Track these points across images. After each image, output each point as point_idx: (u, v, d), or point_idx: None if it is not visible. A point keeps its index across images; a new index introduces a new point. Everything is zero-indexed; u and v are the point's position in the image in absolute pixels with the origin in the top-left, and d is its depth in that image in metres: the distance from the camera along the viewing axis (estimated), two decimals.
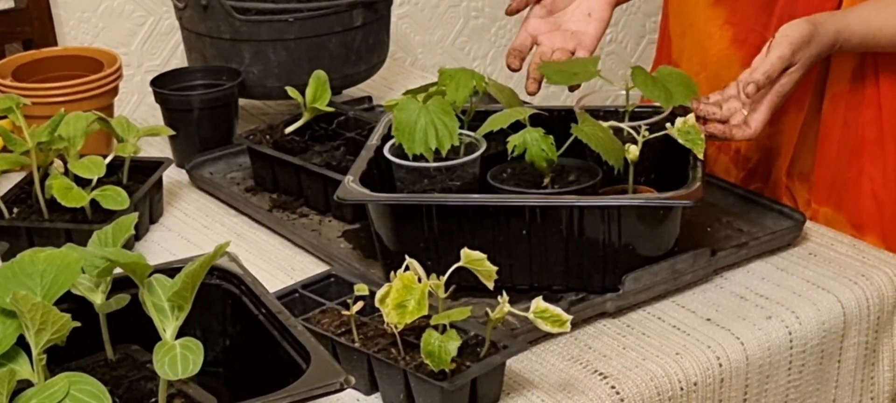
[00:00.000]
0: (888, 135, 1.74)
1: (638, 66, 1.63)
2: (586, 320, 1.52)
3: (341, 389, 1.17)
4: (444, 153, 1.56)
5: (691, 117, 1.57)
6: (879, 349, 1.62)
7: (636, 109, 1.68)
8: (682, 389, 1.44)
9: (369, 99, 2.21)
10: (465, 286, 1.44)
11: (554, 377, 1.42)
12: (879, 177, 1.75)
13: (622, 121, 1.65)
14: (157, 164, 1.85)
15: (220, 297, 1.37)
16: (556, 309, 1.34)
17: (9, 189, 1.78)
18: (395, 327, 1.33)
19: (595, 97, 1.76)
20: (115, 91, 2.06)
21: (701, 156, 1.56)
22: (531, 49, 1.88)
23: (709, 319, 1.53)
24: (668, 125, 1.58)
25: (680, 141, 1.56)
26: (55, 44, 2.42)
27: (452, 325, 1.33)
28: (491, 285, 1.37)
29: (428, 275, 1.34)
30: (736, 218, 1.73)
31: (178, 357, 1.17)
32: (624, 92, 1.68)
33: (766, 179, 1.86)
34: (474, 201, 1.52)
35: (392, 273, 1.34)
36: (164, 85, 2.03)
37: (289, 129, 1.94)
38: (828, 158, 1.79)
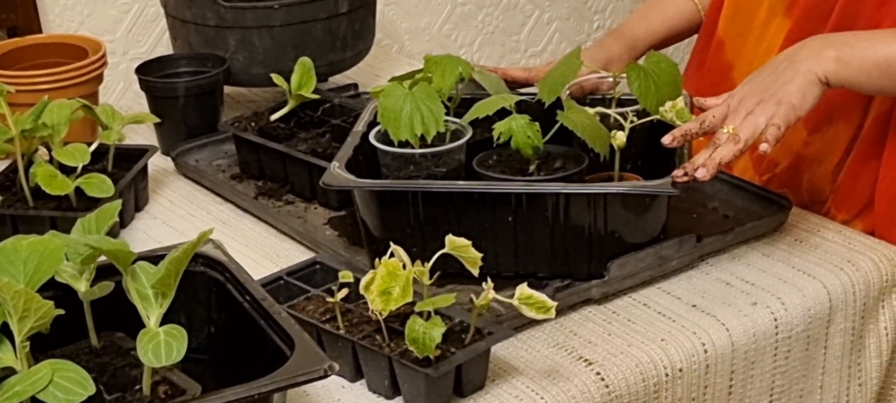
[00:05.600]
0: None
1: (633, 64, 1.63)
2: (572, 306, 1.52)
3: (325, 375, 1.17)
4: (429, 139, 1.56)
5: (680, 100, 1.57)
6: (866, 335, 1.63)
7: (623, 96, 1.68)
8: (667, 375, 1.44)
9: (355, 86, 2.20)
10: (450, 273, 1.44)
11: (539, 363, 1.42)
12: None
13: (609, 107, 1.65)
14: (142, 152, 1.84)
15: (205, 284, 1.37)
16: (541, 296, 1.34)
17: None
18: (380, 314, 1.33)
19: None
20: (99, 78, 2.05)
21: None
22: None
23: (694, 305, 1.53)
24: (660, 109, 1.57)
25: (677, 123, 1.55)
26: (40, 31, 2.42)
27: (437, 312, 1.33)
28: (476, 272, 1.36)
29: (413, 262, 1.34)
30: (722, 204, 1.73)
31: (162, 344, 1.17)
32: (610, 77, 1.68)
33: (795, 186, 1.84)
34: (460, 188, 1.52)
35: (377, 259, 1.34)
36: (149, 72, 2.02)
37: (274, 116, 1.94)
38: (858, 173, 1.77)
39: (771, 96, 1.56)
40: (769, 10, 1.86)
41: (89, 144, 1.75)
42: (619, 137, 1.56)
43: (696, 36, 2.05)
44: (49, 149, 1.74)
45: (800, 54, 1.60)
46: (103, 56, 2.05)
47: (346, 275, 1.40)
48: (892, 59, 1.59)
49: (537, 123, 1.56)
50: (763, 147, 1.52)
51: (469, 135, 1.60)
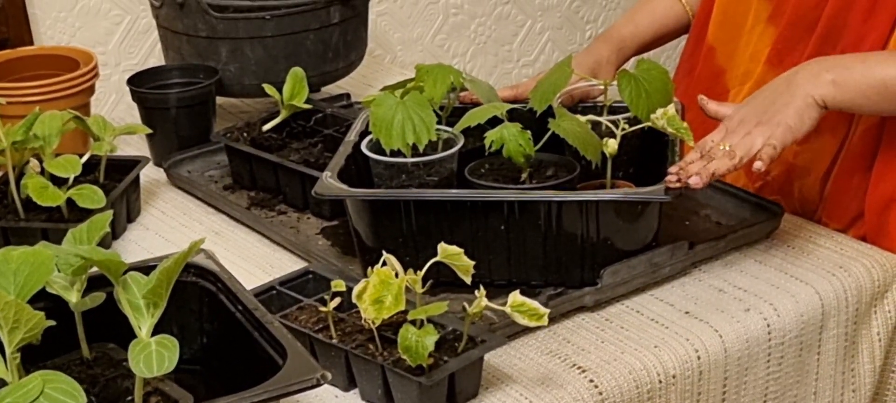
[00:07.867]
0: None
1: (624, 70, 1.63)
2: (565, 314, 1.52)
3: (317, 384, 1.17)
4: (421, 148, 1.56)
5: (671, 108, 1.57)
6: (859, 341, 1.63)
7: (614, 104, 1.68)
8: (660, 382, 1.44)
9: (347, 96, 2.20)
10: (443, 281, 1.44)
11: (532, 371, 1.42)
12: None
13: (600, 115, 1.65)
14: (134, 163, 1.84)
15: (197, 295, 1.37)
16: (534, 303, 1.34)
17: None
18: (373, 322, 1.33)
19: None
20: (91, 90, 2.05)
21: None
22: None
23: (687, 312, 1.53)
24: (652, 116, 1.57)
25: (669, 130, 1.55)
26: (31, 43, 2.41)
27: (430, 320, 1.32)
28: (468, 280, 1.36)
29: (406, 271, 1.34)
30: (714, 210, 1.74)
31: (153, 355, 1.17)
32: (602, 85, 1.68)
33: (787, 194, 1.84)
34: (452, 196, 1.52)
35: (369, 268, 1.34)
36: (141, 83, 2.02)
37: (266, 127, 1.93)
38: (847, 183, 1.78)
39: (769, 118, 1.56)
40: (755, 17, 1.87)
41: (81, 156, 1.75)
42: (611, 145, 1.56)
43: (684, 39, 2.05)
44: (40, 161, 1.73)
45: (797, 78, 1.60)
46: (95, 67, 2.05)
47: (338, 285, 1.40)
48: (890, 81, 1.59)
49: (529, 131, 1.56)
50: (757, 165, 1.53)
51: (461, 143, 1.60)
